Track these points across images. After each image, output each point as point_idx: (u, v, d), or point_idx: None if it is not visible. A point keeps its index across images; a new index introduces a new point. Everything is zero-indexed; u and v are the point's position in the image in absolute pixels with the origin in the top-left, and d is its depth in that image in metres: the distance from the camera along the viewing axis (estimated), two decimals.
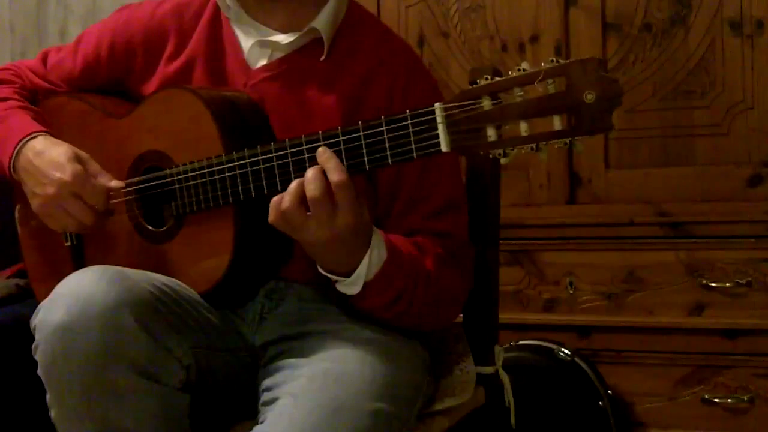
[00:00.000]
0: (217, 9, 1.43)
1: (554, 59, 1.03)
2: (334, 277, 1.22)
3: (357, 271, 1.20)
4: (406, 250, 1.26)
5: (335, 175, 1.14)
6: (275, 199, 1.17)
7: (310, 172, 1.15)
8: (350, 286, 1.22)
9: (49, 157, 1.33)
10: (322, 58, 1.37)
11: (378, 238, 1.21)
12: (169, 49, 1.43)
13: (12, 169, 1.38)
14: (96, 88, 1.49)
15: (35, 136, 1.38)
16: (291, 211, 1.15)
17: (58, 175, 1.31)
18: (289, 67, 1.38)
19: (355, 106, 1.34)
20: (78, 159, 1.33)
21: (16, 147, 1.37)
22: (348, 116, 1.33)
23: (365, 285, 1.21)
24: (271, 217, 1.17)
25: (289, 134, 1.30)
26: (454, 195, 1.37)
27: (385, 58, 1.37)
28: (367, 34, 1.41)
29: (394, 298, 1.24)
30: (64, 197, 1.31)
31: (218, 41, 1.42)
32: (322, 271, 1.23)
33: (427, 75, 1.44)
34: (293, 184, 1.16)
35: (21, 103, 1.47)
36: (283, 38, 1.39)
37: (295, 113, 1.35)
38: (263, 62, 1.39)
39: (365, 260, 1.19)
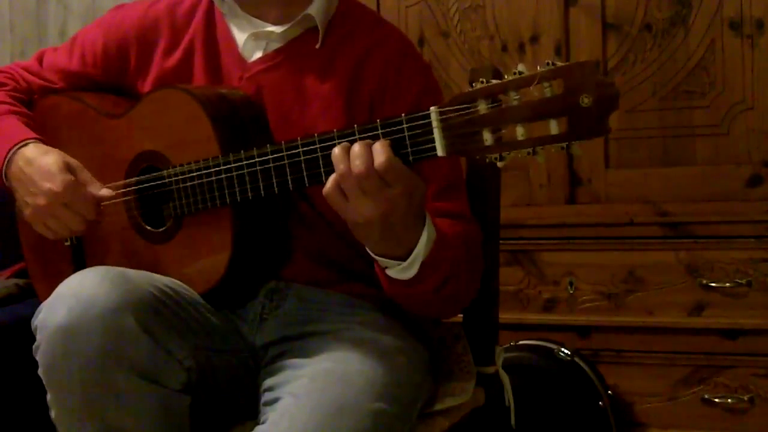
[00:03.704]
0: (210, 4, 1.44)
1: (551, 62, 1.02)
2: (388, 262, 1.17)
3: (416, 249, 1.15)
4: (442, 226, 1.22)
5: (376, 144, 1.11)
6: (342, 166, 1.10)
7: (357, 147, 1.10)
8: (406, 270, 1.17)
9: (39, 166, 1.32)
10: (317, 46, 1.37)
11: (427, 214, 1.17)
12: (163, 44, 1.43)
13: (4, 177, 1.38)
14: (92, 86, 1.49)
15: (26, 144, 1.37)
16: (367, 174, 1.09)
17: (48, 185, 1.30)
18: (285, 58, 1.38)
19: (351, 91, 1.34)
20: (69, 168, 1.32)
21: (7, 155, 1.36)
22: (346, 102, 1.33)
23: (421, 265, 1.16)
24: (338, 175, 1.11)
25: (287, 124, 1.30)
26: (453, 175, 1.35)
27: (378, 41, 1.38)
28: (359, 21, 1.41)
29: (444, 278, 1.20)
30: (54, 207, 1.31)
31: (213, 36, 1.42)
32: (374, 256, 1.18)
33: (419, 58, 1.44)
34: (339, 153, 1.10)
35: (13, 108, 1.45)
36: (277, 28, 1.39)
37: (292, 102, 1.35)
38: (259, 54, 1.40)
39: (423, 237, 1.15)
